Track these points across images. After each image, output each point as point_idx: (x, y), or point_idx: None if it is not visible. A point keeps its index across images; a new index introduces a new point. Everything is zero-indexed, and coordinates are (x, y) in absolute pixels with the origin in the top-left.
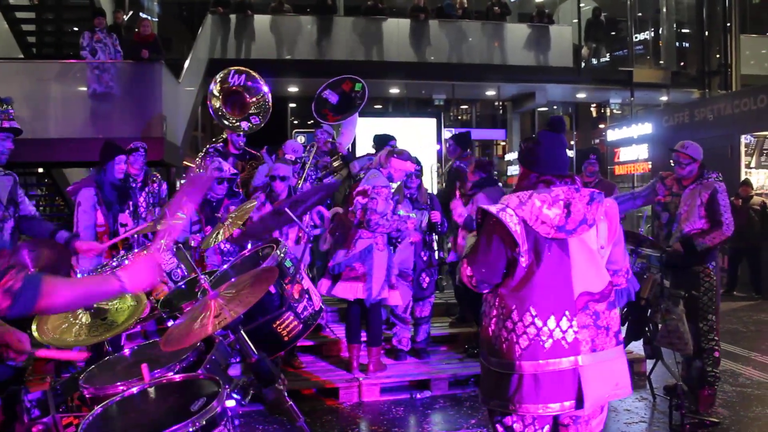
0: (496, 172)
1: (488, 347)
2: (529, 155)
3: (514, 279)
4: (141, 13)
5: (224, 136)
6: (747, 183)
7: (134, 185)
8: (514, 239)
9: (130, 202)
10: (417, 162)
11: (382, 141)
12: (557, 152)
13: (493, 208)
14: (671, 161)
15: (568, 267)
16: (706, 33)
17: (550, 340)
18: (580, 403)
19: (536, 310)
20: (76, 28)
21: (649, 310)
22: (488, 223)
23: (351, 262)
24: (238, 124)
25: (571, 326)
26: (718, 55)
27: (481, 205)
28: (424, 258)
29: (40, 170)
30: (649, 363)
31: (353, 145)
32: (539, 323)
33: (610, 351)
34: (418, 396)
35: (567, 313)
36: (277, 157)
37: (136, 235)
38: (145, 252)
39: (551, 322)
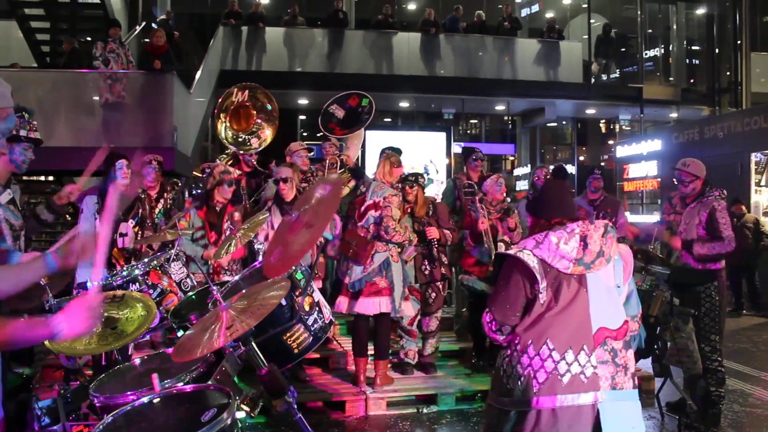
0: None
1: (499, 389)
2: (536, 203)
3: (529, 316)
4: (153, 24)
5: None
6: (739, 201)
7: (144, 196)
8: (534, 275)
9: (140, 211)
10: (418, 177)
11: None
12: (563, 197)
13: (510, 251)
14: (674, 180)
15: (586, 301)
16: (717, 50)
17: (568, 375)
18: None
19: (553, 344)
20: (89, 38)
21: (659, 328)
22: (506, 265)
23: (371, 277)
24: (248, 144)
25: (589, 361)
26: (728, 73)
27: (500, 251)
28: (426, 272)
29: (51, 178)
30: (658, 381)
31: (362, 158)
32: (557, 356)
33: (629, 392)
34: (425, 410)
35: (585, 347)
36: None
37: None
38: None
39: (569, 356)
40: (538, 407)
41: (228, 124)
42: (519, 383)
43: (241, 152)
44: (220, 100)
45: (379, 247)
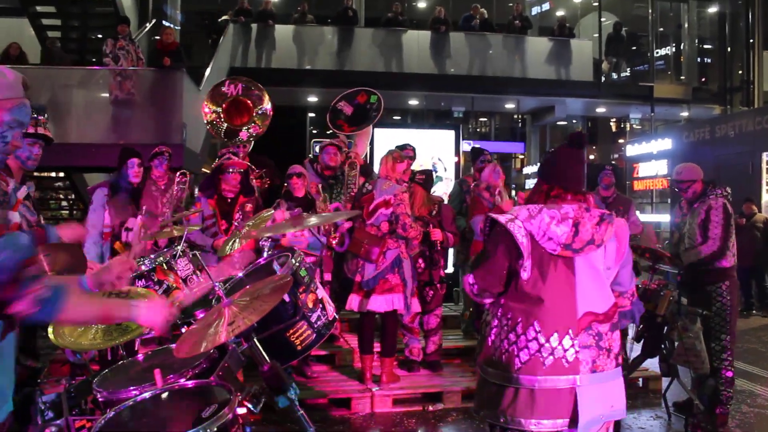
0: (514, 186)
1: (486, 357)
2: (544, 166)
3: (518, 291)
4: (164, 22)
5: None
6: (750, 200)
7: (155, 191)
8: (520, 250)
9: (144, 208)
10: (416, 174)
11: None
12: (572, 166)
13: (501, 218)
14: (675, 189)
15: (573, 285)
16: (728, 49)
17: (551, 358)
18: (573, 423)
19: (540, 326)
20: (100, 35)
21: (666, 328)
22: (495, 232)
23: (383, 274)
24: (237, 135)
25: (573, 345)
26: (740, 71)
27: (491, 214)
28: (419, 270)
29: (61, 174)
30: (665, 381)
31: (371, 155)
32: (542, 339)
33: (609, 372)
34: (431, 408)
35: (570, 331)
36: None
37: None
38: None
39: (554, 340)
40: (517, 385)
41: (220, 112)
42: (503, 357)
43: (232, 144)
44: (210, 92)
45: (390, 244)
